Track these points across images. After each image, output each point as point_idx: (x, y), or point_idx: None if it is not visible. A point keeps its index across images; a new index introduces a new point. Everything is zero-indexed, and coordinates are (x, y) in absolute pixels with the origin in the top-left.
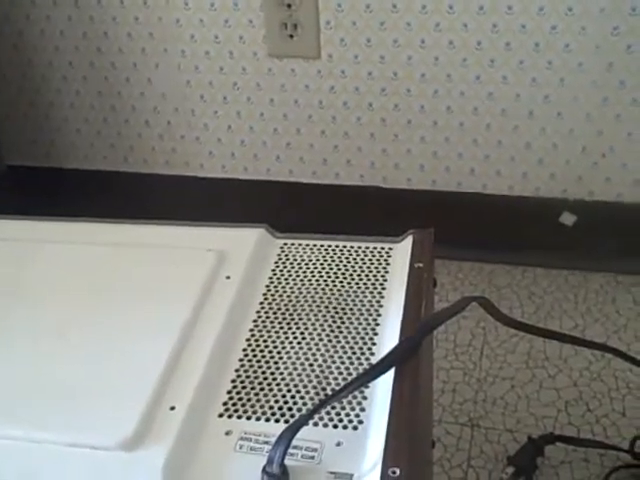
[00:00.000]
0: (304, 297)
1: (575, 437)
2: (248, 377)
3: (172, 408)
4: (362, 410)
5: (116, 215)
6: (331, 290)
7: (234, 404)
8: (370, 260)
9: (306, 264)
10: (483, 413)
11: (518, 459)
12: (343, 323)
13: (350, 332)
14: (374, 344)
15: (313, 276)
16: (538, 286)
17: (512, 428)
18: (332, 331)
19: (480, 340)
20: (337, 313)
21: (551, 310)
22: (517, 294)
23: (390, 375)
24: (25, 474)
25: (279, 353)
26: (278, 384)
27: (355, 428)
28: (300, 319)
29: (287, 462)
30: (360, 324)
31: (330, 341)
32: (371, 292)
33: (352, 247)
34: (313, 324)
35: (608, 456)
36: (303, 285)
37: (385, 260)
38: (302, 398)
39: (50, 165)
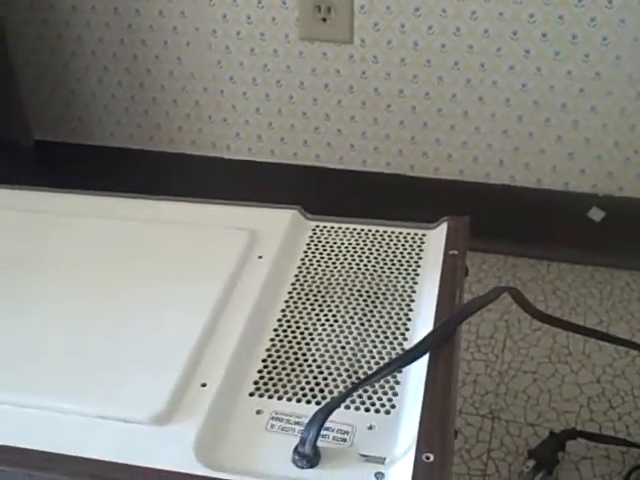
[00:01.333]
0: (336, 280)
1: (597, 433)
2: (279, 357)
3: (203, 385)
4: (395, 395)
5: (141, 192)
6: (364, 274)
7: (265, 383)
8: (403, 246)
9: (338, 247)
10: (504, 406)
11: (539, 453)
12: (375, 307)
13: (383, 317)
14: (407, 329)
15: (345, 259)
16: (563, 281)
17: (533, 422)
18: (365, 315)
19: (503, 333)
20: (370, 297)
21: (575, 306)
22: (542, 288)
23: (423, 361)
24: (53, 444)
25: (311, 334)
26: (310, 365)
27: (387, 412)
28: (332, 301)
29: (319, 443)
30: (393, 309)
31: (362, 325)
32: (404, 278)
33: (385, 232)
34: (345, 307)
35: (630, 454)
36: (335, 268)
37: (419, 246)
38: (334, 380)
39: (76, 141)
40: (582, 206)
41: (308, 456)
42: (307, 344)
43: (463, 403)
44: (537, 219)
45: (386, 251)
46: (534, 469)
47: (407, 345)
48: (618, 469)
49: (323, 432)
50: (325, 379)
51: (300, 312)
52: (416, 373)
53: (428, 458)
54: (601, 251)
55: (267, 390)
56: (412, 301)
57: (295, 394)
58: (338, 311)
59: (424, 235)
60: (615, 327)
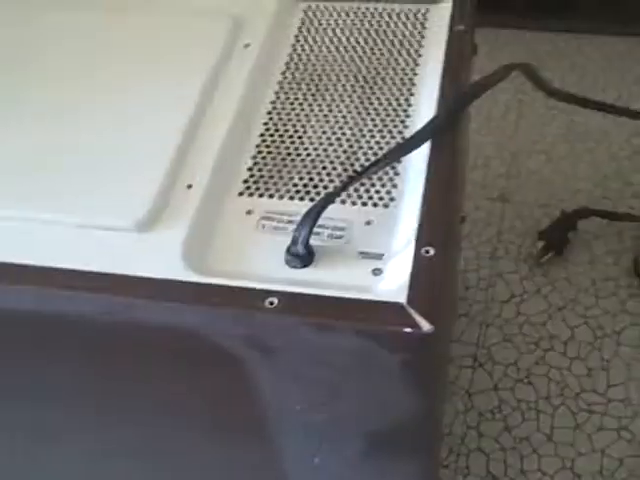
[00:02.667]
0: (330, 65)
1: (610, 211)
2: (270, 153)
3: (189, 186)
4: (394, 187)
5: None
6: (360, 57)
7: (255, 182)
8: (404, 23)
9: (332, 29)
10: (515, 187)
11: (549, 233)
12: (374, 94)
13: (382, 103)
14: (408, 116)
15: (340, 42)
16: (581, 54)
17: (545, 203)
18: (361, 102)
19: (515, 112)
20: (367, 83)
21: (594, 81)
22: (558, 63)
23: (425, 150)
24: (36, 256)
25: (303, 127)
26: (303, 160)
27: (386, 206)
28: (326, 90)
29: (313, 242)
30: (393, 94)
31: (359, 113)
32: (405, 59)
33: (384, 9)
34: (341, 95)
35: None
36: (329, 52)
37: (421, 23)
38: (329, 175)
39: None
40: None
41: (301, 255)
42: (300, 137)
43: (473, 187)
44: None
45: (385, 31)
46: (543, 249)
47: (407, 133)
48: (630, 245)
49: (317, 229)
50: (319, 174)
51: (292, 103)
52: (416, 163)
53: (428, 252)
54: (625, 19)
55: (257, 189)
56: (413, 85)
57: (288, 191)
58: (333, 100)
59: (427, 10)
60: (636, 102)
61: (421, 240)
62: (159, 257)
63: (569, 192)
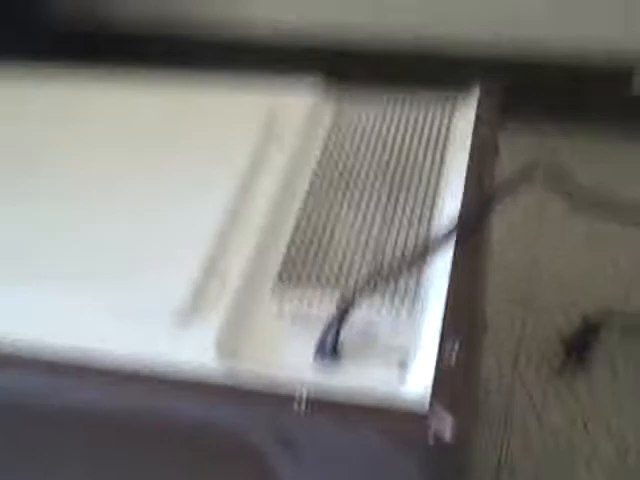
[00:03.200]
0: (360, 164)
1: (633, 318)
2: (301, 250)
3: (224, 280)
4: (419, 284)
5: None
6: (388, 158)
7: (288, 276)
8: (430, 126)
9: (363, 126)
10: (537, 292)
11: (572, 341)
12: (401, 193)
13: (408, 203)
14: (433, 216)
15: (369, 142)
16: (600, 156)
17: (567, 308)
18: (389, 201)
19: (537, 216)
20: (394, 182)
21: (614, 185)
22: (579, 162)
23: (450, 250)
24: (70, 340)
25: (334, 224)
26: (333, 256)
27: (412, 302)
28: (356, 187)
29: (342, 335)
30: (419, 194)
31: (387, 212)
32: (431, 160)
33: (411, 112)
34: (370, 193)
35: None
36: (359, 152)
37: (446, 127)
38: (358, 271)
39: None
40: (624, 76)
41: (330, 350)
42: (331, 234)
43: (495, 291)
44: (575, 89)
45: (412, 133)
46: (566, 357)
47: (433, 232)
48: None
49: (346, 325)
50: (349, 270)
51: (322, 201)
52: (441, 262)
53: (452, 348)
54: None
55: (290, 283)
56: (438, 185)
57: (318, 286)
58: (362, 197)
59: (452, 114)
60: None
61: (445, 336)
62: (193, 349)
63: (591, 298)
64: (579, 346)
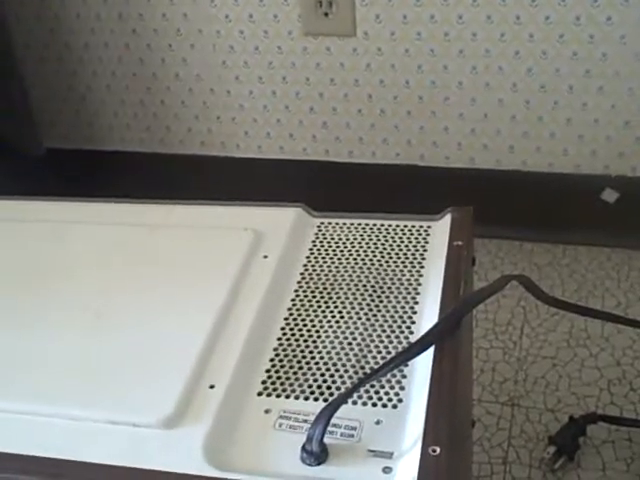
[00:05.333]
0: (342, 276)
1: (618, 417)
2: (287, 356)
3: (211, 387)
4: (402, 389)
5: (153, 196)
6: (369, 269)
7: (273, 383)
8: (408, 239)
9: (343, 243)
10: (524, 392)
11: (560, 438)
12: (381, 302)
13: (389, 311)
14: (413, 322)
15: (350, 255)
16: (580, 264)
17: (553, 407)
18: (371, 310)
19: (520, 319)
20: (375, 292)
21: (593, 289)
22: (558, 272)
23: (430, 353)
24: (66, 450)
25: (317, 332)
26: (317, 363)
27: (395, 407)
28: (338, 298)
29: (326, 440)
30: (399, 302)
31: (369, 320)
32: (409, 271)
33: (390, 225)
34: (351, 303)
35: None
36: (341, 264)
37: (424, 238)
38: (341, 377)
39: (88, 147)
40: (595, 188)
41: (316, 453)
42: (314, 342)
43: (482, 391)
44: (551, 203)
45: (391, 245)
46: (555, 455)
47: (413, 338)
48: (639, 452)
49: (331, 428)
50: (332, 376)
51: (307, 310)
52: (422, 366)
53: (434, 451)
54: (617, 232)
55: (275, 389)
56: (418, 294)
57: (303, 392)
58: (344, 307)
59: (429, 227)
60: (634, 308)
61: (427, 440)
62: (181, 453)
63: (576, 397)
64: (567, 443)
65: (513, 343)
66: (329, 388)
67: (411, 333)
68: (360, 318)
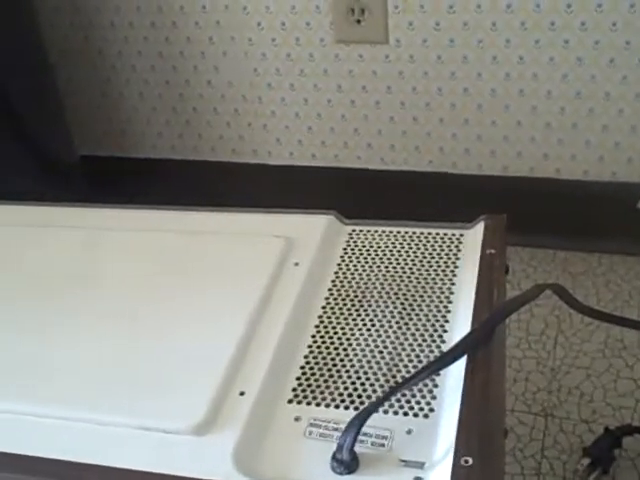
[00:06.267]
0: (373, 284)
1: None
2: (317, 364)
3: (242, 394)
4: (433, 398)
5: (185, 203)
6: (401, 277)
7: (303, 390)
8: (440, 246)
9: (375, 251)
10: (557, 403)
11: (594, 450)
12: (413, 310)
13: (420, 319)
14: (445, 331)
15: (382, 263)
16: (615, 273)
17: (588, 418)
18: (402, 318)
19: (554, 328)
20: (407, 300)
21: (629, 299)
22: (593, 282)
23: (462, 363)
24: (96, 455)
25: (348, 340)
26: (347, 371)
27: (426, 416)
28: (369, 306)
29: (357, 449)
30: (431, 311)
31: (400, 328)
32: (442, 279)
33: (422, 233)
34: (382, 311)
35: None
36: (372, 272)
37: (456, 246)
38: (372, 385)
39: (121, 155)
40: (631, 196)
41: (346, 462)
42: (345, 350)
43: (515, 401)
44: (586, 211)
45: (423, 253)
46: (589, 467)
47: (445, 347)
48: None
49: (361, 437)
50: (363, 384)
51: (337, 318)
52: (454, 375)
53: (467, 462)
54: None
55: (305, 397)
56: (450, 302)
57: (333, 400)
58: (375, 315)
59: (461, 235)
60: None
61: (459, 450)
62: (212, 460)
63: (611, 408)
64: (602, 455)
65: (547, 353)
66: (360, 397)
67: (443, 342)
68: (391, 326)
